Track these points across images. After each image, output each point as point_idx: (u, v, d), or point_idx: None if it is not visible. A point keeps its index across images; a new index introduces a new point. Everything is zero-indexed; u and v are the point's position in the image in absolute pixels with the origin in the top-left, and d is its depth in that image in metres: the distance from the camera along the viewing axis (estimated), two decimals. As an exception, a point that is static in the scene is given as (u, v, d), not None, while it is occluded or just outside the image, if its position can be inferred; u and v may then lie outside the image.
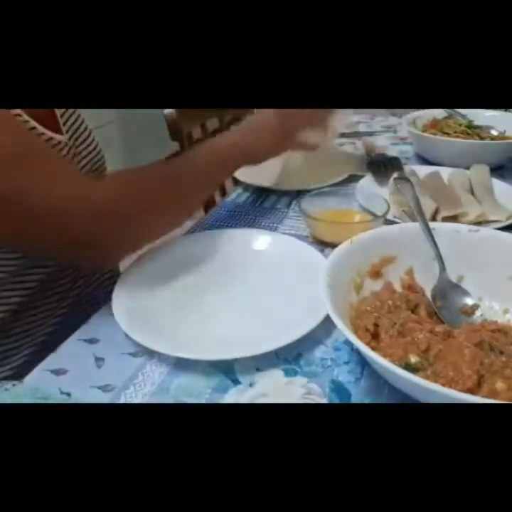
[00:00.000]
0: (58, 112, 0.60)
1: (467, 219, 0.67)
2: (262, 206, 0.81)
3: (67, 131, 0.61)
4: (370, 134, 1.16)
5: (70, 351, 0.49)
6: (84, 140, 0.64)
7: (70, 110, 0.63)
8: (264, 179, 0.85)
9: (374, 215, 0.67)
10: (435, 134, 0.92)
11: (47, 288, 0.60)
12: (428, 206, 0.68)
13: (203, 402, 0.43)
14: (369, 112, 1.34)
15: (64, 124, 0.60)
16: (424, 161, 0.94)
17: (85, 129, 0.65)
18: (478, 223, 0.65)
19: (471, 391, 0.37)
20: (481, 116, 0.99)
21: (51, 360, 0.47)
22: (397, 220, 0.68)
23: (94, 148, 0.67)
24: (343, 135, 1.15)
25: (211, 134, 1.35)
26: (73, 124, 0.63)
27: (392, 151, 1.04)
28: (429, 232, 0.53)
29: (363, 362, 0.46)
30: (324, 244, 0.65)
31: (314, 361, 0.47)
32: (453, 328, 0.45)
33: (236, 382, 0.45)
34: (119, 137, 2.60)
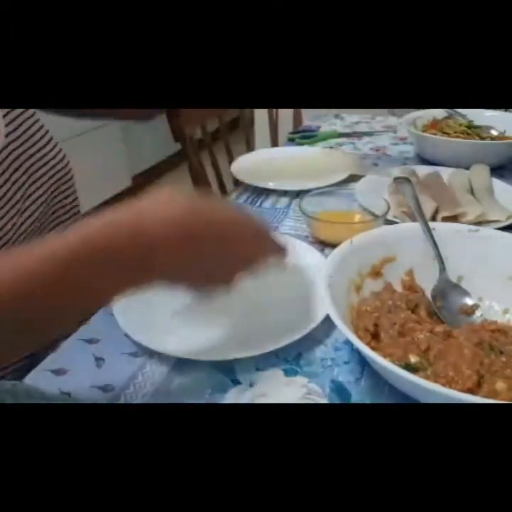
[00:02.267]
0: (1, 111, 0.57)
1: (467, 219, 0.67)
2: (262, 206, 0.81)
3: (11, 132, 0.57)
4: (370, 134, 1.16)
5: (70, 351, 0.49)
6: (39, 149, 0.61)
7: (20, 111, 0.59)
8: (264, 179, 0.86)
9: (374, 215, 0.67)
10: (435, 134, 0.92)
11: None
12: (428, 206, 0.68)
13: (203, 402, 0.43)
14: (369, 112, 1.34)
15: (7, 124, 0.57)
16: (424, 161, 0.94)
17: (40, 132, 0.62)
18: (478, 223, 0.65)
19: (471, 391, 0.37)
20: (481, 116, 0.99)
21: (51, 360, 0.47)
22: (397, 220, 0.68)
23: (54, 158, 0.63)
24: (343, 135, 1.15)
25: (211, 134, 1.35)
26: (20, 125, 0.58)
27: (392, 151, 1.04)
28: (429, 232, 0.53)
29: (363, 362, 0.46)
30: (324, 244, 0.65)
31: (314, 361, 0.47)
32: (453, 328, 0.45)
33: (236, 382, 0.45)
34: (120, 137, 2.60)
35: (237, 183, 0.89)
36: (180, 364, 0.46)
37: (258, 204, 0.81)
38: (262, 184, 0.85)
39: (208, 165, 1.33)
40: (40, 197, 0.60)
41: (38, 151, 0.61)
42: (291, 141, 1.14)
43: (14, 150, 0.57)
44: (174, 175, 3.09)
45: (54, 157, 0.63)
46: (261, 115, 1.83)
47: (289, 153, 1.00)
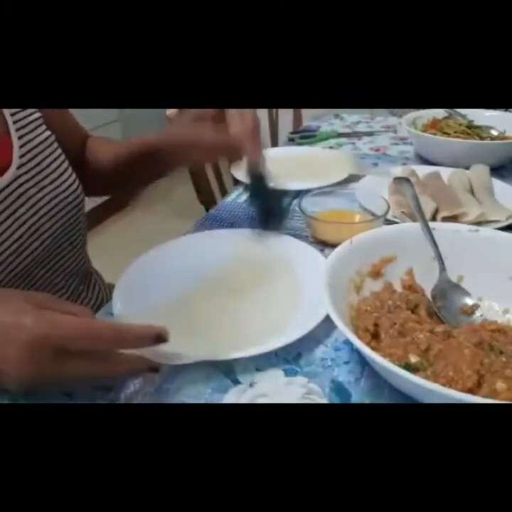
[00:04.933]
0: (15, 136, 0.55)
1: (467, 219, 0.67)
2: (262, 206, 0.80)
3: (24, 164, 0.55)
4: (370, 133, 1.16)
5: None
6: (53, 180, 0.58)
7: (38, 142, 0.58)
8: None
9: (374, 215, 0.67)
10: (435, 134, 0.92)
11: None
12: (428, 206, 0.68)
13: (203, 402, 0.43)
14: (369, 112, 1.34)
15: (22, 155, 0.55)
16: (424, 161, 0.94)
17: (55, 162, 0.59)
18: (478, 223, 0.65)
19: (471, 391, 0.37)
20: (481, 116, 0.99)
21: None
22: (397, 220, 0.68)
23: (66, 191, 0.60)
24: (343, 135, 1.15)
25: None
26: (35, 156, 0.57)
27: (392, 151, 1.04)
28: (429, 232, 0.53)
29: (363, 362, 0.46)
30: (324, 244, 0.65)
31: (314, 361, 0.47)
32: (453, 328, 0.45)
33: (236, 382, 0.45)
34: (120, 137, 2.60)
35: (237, 183, 0.89)
36: (180, 364, 0.46)
37: (258, 204, 0.81)
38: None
39: (207, 165, 1.33)
40: (46, 231, 0.58)
41: (51, 183, 0.58)
42: (291, 141, 1.14)
43: (24, 183, 0.55)
44: (174, 175, 3.09)
45: (66, 189, 0.60)
46: (261, 115, 1.82)
47: (289, 153, 1.00)
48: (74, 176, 0.62)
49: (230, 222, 0.75)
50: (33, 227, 0.56)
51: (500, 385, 0.38)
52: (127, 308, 0.51)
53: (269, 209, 0.63)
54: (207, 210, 1.22)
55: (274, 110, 1.70)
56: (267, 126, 1.69)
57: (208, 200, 1.26)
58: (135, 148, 0.67)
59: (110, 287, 0.78)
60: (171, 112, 1.18)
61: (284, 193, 0.64)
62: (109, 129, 2.46)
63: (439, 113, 1.01)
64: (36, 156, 0.57)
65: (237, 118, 0.59)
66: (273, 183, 0.61)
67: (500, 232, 0.53)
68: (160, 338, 0.41)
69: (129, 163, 0.68)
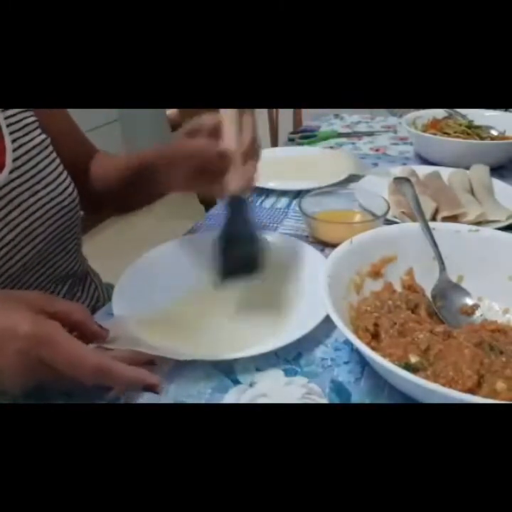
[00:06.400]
0: (8, 139, 0.54)
1: (467, 219, 0.67)
2: (262, 206, 0.81)
3: (18, 167, 0.54)
4: (370, 133, 1.16)
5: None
6: (46, 185, 0.57)
7: (34, 144, 0.56)
8: (264, 179, 0.86)
9: (374, 215, 0.67)
10: (435, 134, 0.92)
11: None
12: (428, 206, 0.68)
13: (203, 402, 0.43)
14: (369, 112, 1.34)
15: (16, 159, 0.54)
16: (424, 161, 0.94)
17: (50, 166, 0.58)
18: (478, 223, 0.65)
19: (471, 391, 0.37)
20: (481, 116, 0.99)
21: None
22: (397, 220, 0.68)
23: (61, 194, 0.58)
24: (343, 135, 1.15)
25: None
26: (29, 159, 0.55)
27: (392, 151, 1.04)
28: (429, 232, 0.53)
29: (363, 362, 0.46)
30: (324, 244, 0.65)
31: (314, 361, 0.47)
32: (453, 328, 0.45)
33: (236, 382, 0.45)
34: (120, 137, 2.60)
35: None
36: (181, 364, 0.46)
37: (258, 204, 0.82)
38: (262, 184, 0.85)
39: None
40: (39, 235, 0.56)
41: (46, 186, 0.57)
42: (291, 141, 1.14)
43: (17, 187, 0.53)
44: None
45: (62, 192, 0.58)
46: (261, 115, 1.83)
47: (289, 153, 1.00)
48: (69, 179, 0.61)
49: (230, 222, 0.75)
50: (25, 231, 0.55)
51: (500, 385, 0.38)
52: (127, 308, 0.51)
53: (240, 252, 0.48)
54: (207, 210, 1.22)
55: (274, 110, 1.70)
56: (267, 126, 1.69)
57: (207, 200, 1.26)
58: (132, 163, 0.64)
59: (109, 287, 0.78)
60: (171, 111, 1.18)
61: (263, 240, 0.47)
62: (109, 129, 2.46)
63: (439, 113, 1.01)
64: (31, 159, 0.56)
65: (232, 133, 0.51)
66: (254, 227, 0.48)
67: (500, 232, 0.53)
68: (151, 388, 0.40)
69: (128, 178, 0.65)
